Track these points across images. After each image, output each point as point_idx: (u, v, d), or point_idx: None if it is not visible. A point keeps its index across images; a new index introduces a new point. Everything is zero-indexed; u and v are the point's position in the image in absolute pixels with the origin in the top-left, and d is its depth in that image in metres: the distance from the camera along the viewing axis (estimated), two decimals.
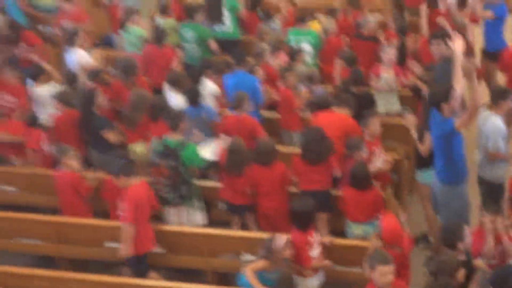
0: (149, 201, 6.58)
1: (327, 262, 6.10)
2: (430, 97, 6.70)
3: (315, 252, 5.80)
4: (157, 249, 6.70)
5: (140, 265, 6.70)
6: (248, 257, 6.16)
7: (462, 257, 5.38)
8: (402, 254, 5.61)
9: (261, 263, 5.70)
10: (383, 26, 10.01)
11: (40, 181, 7.81)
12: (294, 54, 8.98)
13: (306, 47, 9.36)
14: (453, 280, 5.11)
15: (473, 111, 6.11)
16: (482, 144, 6.66)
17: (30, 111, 8.45)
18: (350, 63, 8.44)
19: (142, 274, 6.56)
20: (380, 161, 6.84)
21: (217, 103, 8.30)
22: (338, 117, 7.31)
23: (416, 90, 8.22)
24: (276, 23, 10.24)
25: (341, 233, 6.66)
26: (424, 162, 6.92)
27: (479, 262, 5.47)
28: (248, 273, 5.63)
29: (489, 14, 9.38)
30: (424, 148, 6.70)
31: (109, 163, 7.09)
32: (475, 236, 5.68)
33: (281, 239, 5.60)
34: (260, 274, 5.67)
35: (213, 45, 10.02)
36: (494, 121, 6.55)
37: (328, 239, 6.21)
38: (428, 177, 6.88)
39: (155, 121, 7.62)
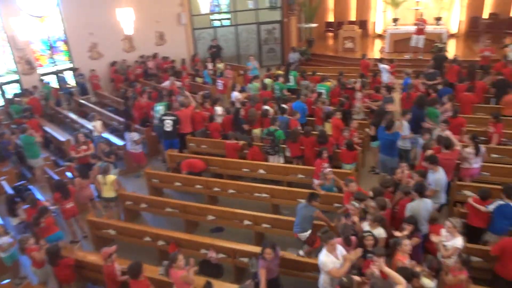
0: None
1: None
2: (384, 123, 8.23)
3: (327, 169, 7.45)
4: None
5: None
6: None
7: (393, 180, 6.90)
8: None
9: (318, 182, 7.60)
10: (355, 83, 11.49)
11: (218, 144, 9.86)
12: (318, 94, 10.84)
13: (324, 92, 11.17)
14: (386, 190, 6.60)
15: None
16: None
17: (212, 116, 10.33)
18: (345, 98, 10.38)
19: None
20: (357, 137, 9.00)
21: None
22: (337, 120, 9.20)
23: (371, 109, 10.22)
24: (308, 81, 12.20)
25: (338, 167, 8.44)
26: (372, 138, 9.21)
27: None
28: (316, 186, 7.63)
29: None
30: (371, 132, 9.13)
31: (243, 138, 9.51)
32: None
33: (328, 171, 7.37)
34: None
35: (285, 92, 12.16)
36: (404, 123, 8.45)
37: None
38: (374, 144, 9.13)
39: (264, 118, 9.74)
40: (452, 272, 5.19)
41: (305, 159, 9.02)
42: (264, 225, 7.25)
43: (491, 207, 6.10)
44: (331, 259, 5.17)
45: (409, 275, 4.81)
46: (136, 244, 7.58)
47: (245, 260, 6.49)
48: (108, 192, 8.17)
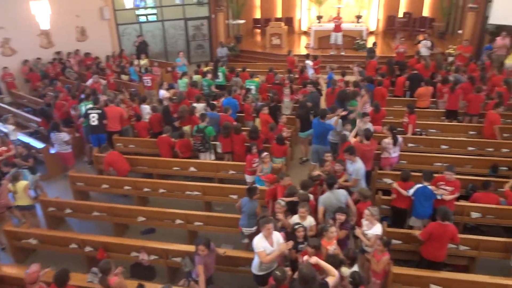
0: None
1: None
2: (319, 112, 8.56)
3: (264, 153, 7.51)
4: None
5: None
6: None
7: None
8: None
9: (259, 168, 7.61)
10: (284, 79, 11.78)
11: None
12: (247, 90, 11.13)
13: (253, 88, 11.46)
14: (314, 183, 6.70)
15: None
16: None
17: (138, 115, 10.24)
18: (273, 94, 10.45)
19: None
20: (286, 132, 9.14)
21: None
22: (265, 116, 9.33)
23: (298, 103, 10.39)
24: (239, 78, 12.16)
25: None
26: (301, 129, 9.48)
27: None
28: (259, 174, 7.63)
29: None
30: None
31: (174, 135, 9.32)
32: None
33: (265, 155, 7.53)
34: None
35: (213, 88, 12.11)
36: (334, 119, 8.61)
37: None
38: (303, 135, 9.45)
39: (191, 115, 9.58)
40: (375, 256, 5.48)
41: (235, 155, 9.06)
42: (197, 223, 7.18)
43: (411, 191, 6.54)
44: (264, 243, 5.27)
45: (338, 263, 5.01)
46: (61, 253, 7.15)
47: (178, 260, 6.37)
48: (21, 200, 7.58)
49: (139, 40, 16.83)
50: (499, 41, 14.02)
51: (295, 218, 5.95)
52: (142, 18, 18.34)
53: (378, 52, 15.28)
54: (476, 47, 15.88)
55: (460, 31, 17.20)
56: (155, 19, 18.53)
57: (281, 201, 6.07)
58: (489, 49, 13.95)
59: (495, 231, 6.81)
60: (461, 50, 13.94)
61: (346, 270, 5.10)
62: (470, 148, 9.02)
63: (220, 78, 12.83)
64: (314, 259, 4.81)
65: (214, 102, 10.09)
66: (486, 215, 6.85)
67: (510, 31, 14.22)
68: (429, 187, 6.49)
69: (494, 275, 5.75)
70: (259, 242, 5.30)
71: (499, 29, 15.26)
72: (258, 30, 21.58)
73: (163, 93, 11.29)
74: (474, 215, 6.88)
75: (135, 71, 14.75)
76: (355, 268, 5.19)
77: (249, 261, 5.71)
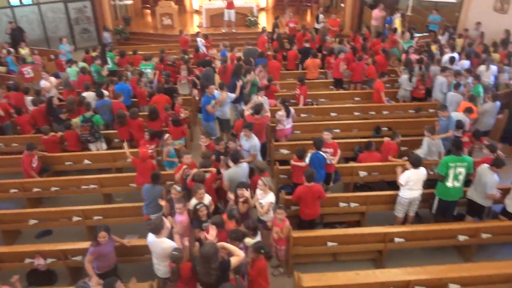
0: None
1: None
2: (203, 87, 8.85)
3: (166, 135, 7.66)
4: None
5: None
6: None
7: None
8: None
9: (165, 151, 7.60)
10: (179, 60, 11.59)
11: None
12: (141, 75, 10.45)
13: (149, 71, 11.06)
14: (210, 159, 6.65)
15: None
16: None
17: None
18: (167, 75, 10.31)
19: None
20: (184, 113, 9.05)
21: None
22: (164, 98, 9.17)
23: (194, 83, 10.52)
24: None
25: None
26: (200, 110, 9.21)
27: None
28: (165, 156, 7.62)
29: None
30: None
31: (61, 129, 8.99)
32: None
33: (167, 136, 7.53)
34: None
35: (105, 73, 11.56)
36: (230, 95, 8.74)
37: None
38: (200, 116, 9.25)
39: (80, 107, 9.08)
40: (275, 225, 5.72)
41: (135, 141, 8.73)
42: (96, 217, 6.87)
43: (307, 160, 6.84)
44: (168, 242, 5.14)
45: (241, 236, 5.16)
46: None
47: (79, 258, 6.06)
48: None
49: (11, 27, 15.14)
50: (377, 12, 15.17)
51: (193, 201, 5.91)
52: (14, 2, 16.45)
53: (271, 28, 15.16)
54: (356, 19, 17.02)
55: (342, 5, 18.21)
56: (30, 3, 16.75)
57: (177, 187, 5.98)
58: (389, 23, 14.90)
59: (380, 186, 7.50)
60: (331, 24, 14.92)
61: (250, 241, 5.28)
62: (356, 113, 9.75)
63: (110, 64, 12.13)
64: (221, 244, 4.81)
65: (103, 90, 9.55)
66: (371, 172, 7.52)
67: (385, 3, 15.46)
68: (321, 153, 6.83)
69: (381, 226, 6.36)
70: (167, 244, 5.09)
71: (376, 2, 16.53)
72: (148, 11, 20.70)
73: (43, 83, 10.40)
74: (362, 174, 7.52)
75: (13, 61, 13.27)
76: (258, 237, 5.40)
77: None
